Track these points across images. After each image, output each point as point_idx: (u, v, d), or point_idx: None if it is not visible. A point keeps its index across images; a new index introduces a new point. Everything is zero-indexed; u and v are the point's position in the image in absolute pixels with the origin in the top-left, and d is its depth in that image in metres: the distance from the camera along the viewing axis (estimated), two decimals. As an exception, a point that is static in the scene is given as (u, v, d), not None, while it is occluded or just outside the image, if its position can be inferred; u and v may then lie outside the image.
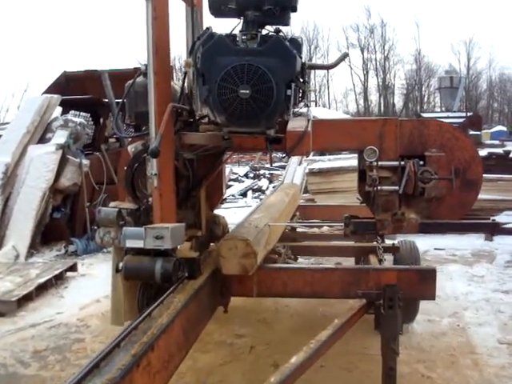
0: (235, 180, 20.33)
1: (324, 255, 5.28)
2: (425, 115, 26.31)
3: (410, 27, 56.84)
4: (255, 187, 18.08)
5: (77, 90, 9.24)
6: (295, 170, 12.44)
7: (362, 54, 52.94)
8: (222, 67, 2.74)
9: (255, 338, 4.13)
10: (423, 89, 52.76)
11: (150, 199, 3.20)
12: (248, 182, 19.57)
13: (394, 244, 4.51)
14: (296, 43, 2.96)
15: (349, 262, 4.98)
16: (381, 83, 52.70)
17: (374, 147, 3.33)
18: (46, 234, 7.26)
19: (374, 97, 54.47)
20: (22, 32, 62.01)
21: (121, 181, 3.66)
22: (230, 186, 18.72)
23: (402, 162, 3.36)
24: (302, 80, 2.97)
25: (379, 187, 3.35)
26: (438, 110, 43.64)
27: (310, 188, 10.83)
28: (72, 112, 8.96)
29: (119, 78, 6.43)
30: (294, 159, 13.03)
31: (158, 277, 2.69)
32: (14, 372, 3.64)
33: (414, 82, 51.69)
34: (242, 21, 2.92)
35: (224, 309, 3.32)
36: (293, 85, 2.81)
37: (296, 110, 3.17)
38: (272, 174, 19.65)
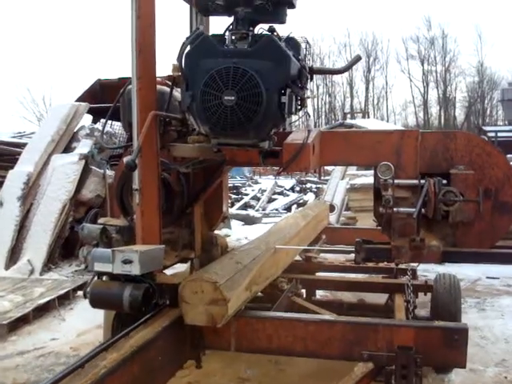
0: (280, 194, 20.07)
1: (339, 290, 4.60)
2: (487, 129, 25.23)
3: (472, 38, 55.07)
4: (300, 201, 17.68)
5: (111, 98, 9.26)
6: (337, 185, 12.10)
7: (422, 65, 51.83)
8: (207, 71, 2.51)
9: (262, 385, 3.71)
10: (485, 101, 50.97)
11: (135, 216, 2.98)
12: (293, 196, 19.26)
13: (426, 282, 3.95)
14: (293, 43, 2.69)
15: (377, 298, 4.33)
16: (441, 95, 51.32)
17: (389, 163, 2.99)
18: (66, 248, 7.21)
19: (434, 109, 53.07)
20: (51, 38, 64.36)
21: (113, 195, 3.48)
22: (274, 200, 18.49)
23: (423, 181, 3.00)
24: (300, 85, 2.67)
25: (395, 209, 3.01)
26: (501, 123, 41.98)
27: (351, 205, 10.40)
28: (102, 121, 8.96)
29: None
30: (336, 173, 12.71)
31: (126, 305, 2.47)
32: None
33: (476, 94, 50.02)
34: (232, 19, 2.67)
35: (196, 364, 2.78)
36: (288, 90, 2.54)
37: (296, 119, 2.88)
38: (318, 188, 19.26)
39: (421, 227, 3.11)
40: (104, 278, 2.61)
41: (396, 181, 3.02)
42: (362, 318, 2.84)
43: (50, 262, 6.75)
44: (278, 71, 2.50)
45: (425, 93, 52.24)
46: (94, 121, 9.08)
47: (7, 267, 6.35)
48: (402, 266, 3.97)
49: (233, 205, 18.28)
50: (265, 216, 15.10)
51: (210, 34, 2.74)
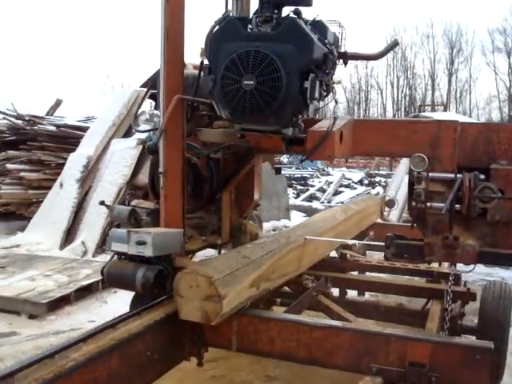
0: (347, 186, 19.81)
1: (372, 291, 4.27)
2: None
3: None
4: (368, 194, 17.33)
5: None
6: (402, 179, 11.75)
7: (509, 58, 49.22)
8: (228, 54, 2.50)
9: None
10: None
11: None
12: (360, 189, 18.98)
13: (469, 289, 3.56)
14: (320, 27, 2.63)
15: (416, 303, 3.96)
16: (529, 90, 48.62)
17: (423, 155, 2.86)
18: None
19: (520, 104, 50.31)
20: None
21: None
22: (340, 193, 18.25)
23: (459, 175, 2.85)
24: (326, 70, 2.60)
25: (428, 204, 2.89)
26: None
27: (415, 201, 10.06)
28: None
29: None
30: (402, 167, 12.30)
31: (139, 286, 2.54)
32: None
33: None
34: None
35: (197, 361, 2.69)
36: (311, 75, 2.49)
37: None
38: (387, 181, 18.83)
39: (456, 225, 2.97)
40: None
41: (430, 174, 2.89)
42: (373, 326, 2.62)
43: (104, 245, 7.03)
44: (300, 55, 2.45)
45: (510, 87, 49.66)
46: (156, 107, 9.33)
47: (62, 247, 6.66)
48: (445, 270, 3.75)
49: (298, 196, 18.27)
50: (328, 208, 14.93)
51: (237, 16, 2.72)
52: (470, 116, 45.43)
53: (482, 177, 2.85)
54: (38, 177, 8.26)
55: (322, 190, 18.76)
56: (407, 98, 55.44)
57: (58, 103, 12.04)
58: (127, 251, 2.56)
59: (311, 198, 17.64)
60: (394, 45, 3.04)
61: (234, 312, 2.48)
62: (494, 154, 2.91)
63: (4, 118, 9.45)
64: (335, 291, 3.87)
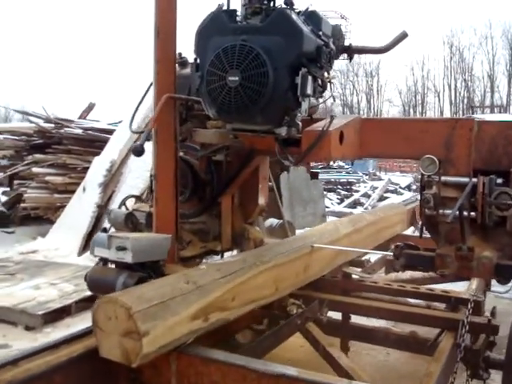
0: (393, 192, 19.42)
1: (375, 317, 3.54)
2: None
3: None
4: (415, 201, 16.87)
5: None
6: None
7: None
8: (215, 49, 2.44)
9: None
10: None
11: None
12: (407, 195, 18.51)
13: (490, 321, 2.97)
14: (314, 18, 2.52)
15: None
16: None
17: (434, 157, 2.71)
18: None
19: None
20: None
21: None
22: (386, 198, 17.88)
23: (474, 179, 2.68)
24: (319, 65, 2.49)
25: (441, 211, 2.73)
26: None
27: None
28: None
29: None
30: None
31: (119, 294, 2.47)
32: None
33: None
34: None
35: None
36: (302, 70, 2.39)
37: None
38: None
39: (473, 234, 2.80)
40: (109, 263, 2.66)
41: (443, 178, 2.74)
42: (337, 378, 2.16)
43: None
44: (289, 48, 2.36)
45: None
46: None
47: (80, 253, 6.72)
48: (464, 296, 3.22)
49: (342, 201, 18.00)
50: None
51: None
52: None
53: (500, 181, 2.68)
54: (64, 181, 8.42)
55: (367, 196, 18.46)
56: (465, 101, 54.18)
57: (90, 107, 12.31)
58: (108, 257, 2.53)
59: (355, 203, 17.38)
60: (402, 37, 2.88)
61: (172, 349, 2.17)
62: (516, 156, 2.72)
63: (30, 121, 9.70)
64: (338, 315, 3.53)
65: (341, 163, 27.34)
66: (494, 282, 4.10)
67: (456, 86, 54.84)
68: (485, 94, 53.35)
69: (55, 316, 4.75)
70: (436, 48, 66.18)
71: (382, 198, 17.87)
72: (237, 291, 2.48)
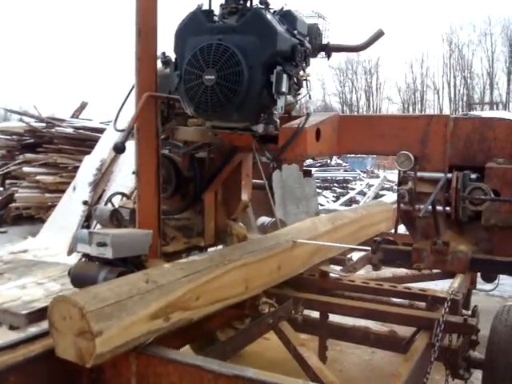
0: (389, 189, 19.47)
1: (351, 316, 3.37)
2: None
3: None
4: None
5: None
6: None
7: None
8: (192, 49, 2.52)
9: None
10: None
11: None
12: (403, 194, 18.59)
13: (466, 320, 2.80)
14: (289, 18, 2.60)
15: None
16: None
17: (409, 153, 2.78)
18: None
19: None
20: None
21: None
22: (381, 196, 17.95)
23: (449, 175, 2.76)
24: (294, 63, 2.57)
25: (417, 206, 2.81)
26: None
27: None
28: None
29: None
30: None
31: (100, 289, 2.55)
32: None
33: None
34: None
35: None
36: (277, 69, 2.46)
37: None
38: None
39: (449, 229, 2.89)
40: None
41: (419, 174, 2.81)
42: (289, 379, 1.99)
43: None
44: (263, 47, 2.44)
45: None
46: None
47: (70, 253, 6.78)
48: (441, 295, 3.06)
49: (337, 199, 18.06)
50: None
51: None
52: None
53: (474, 176, 2.76)
54: (55, 180, 8.47)
55: (363, 194, 18.52)
56: (465, 98, 54.34)
57: (83, 106, 12.35)
58: (90, 253, 2.60)
59: (351, 201, 17.43)
60: (378, 35, 2.96)
61: (132, 349, 2.15)
62: (490, 152, 2.82)
63: (22, 121, 9.76)
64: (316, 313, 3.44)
65: (339, 161, 27.48)
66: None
67: (455, 83, 55.02)
68: (484, 91, 53.50)
69: (40, 315, 4.69)
70: (435, 45, 66.37)
71: (377, 196, 17.92)
72: (201, 290, 2.46)
